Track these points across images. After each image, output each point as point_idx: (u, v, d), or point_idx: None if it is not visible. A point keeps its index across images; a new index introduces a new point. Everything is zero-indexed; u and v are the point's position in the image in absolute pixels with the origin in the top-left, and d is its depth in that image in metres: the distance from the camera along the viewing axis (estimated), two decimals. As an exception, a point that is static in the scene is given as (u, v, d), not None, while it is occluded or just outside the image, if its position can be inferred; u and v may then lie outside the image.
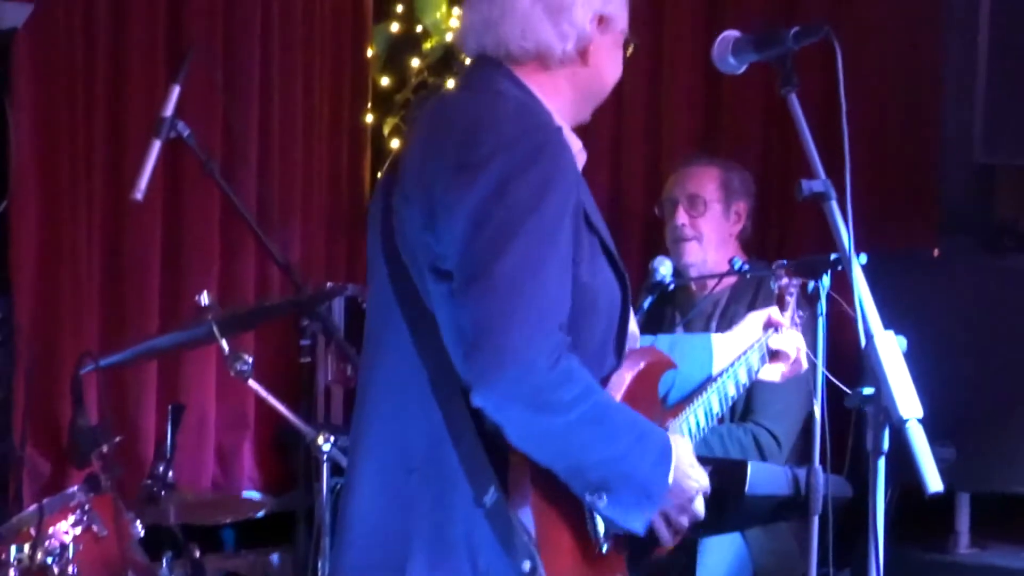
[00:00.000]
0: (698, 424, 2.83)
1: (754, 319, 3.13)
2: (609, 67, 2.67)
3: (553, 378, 2.31)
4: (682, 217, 4.73)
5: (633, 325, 2.68)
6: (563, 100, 2.61)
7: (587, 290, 2.46)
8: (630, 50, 2.71)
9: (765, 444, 4.41)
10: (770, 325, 3.12)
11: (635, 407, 2.51)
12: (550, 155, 2.41)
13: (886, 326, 2.41)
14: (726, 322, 4.61)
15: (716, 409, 2.90)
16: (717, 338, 3.04)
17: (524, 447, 2.38)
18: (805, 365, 3.17)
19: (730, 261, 4.13)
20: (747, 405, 4.45)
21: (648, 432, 2.48)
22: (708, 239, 4.71)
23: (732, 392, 2.97)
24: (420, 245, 2.44)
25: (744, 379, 3.01)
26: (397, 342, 2.50)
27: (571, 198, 2.43)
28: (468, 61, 2.68)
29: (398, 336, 2.50)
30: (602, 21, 2.62)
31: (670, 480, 2.46)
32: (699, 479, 2.55)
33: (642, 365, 2.63)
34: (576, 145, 2.61)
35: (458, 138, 2.43)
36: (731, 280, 4.63)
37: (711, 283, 4.67)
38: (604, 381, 2.54)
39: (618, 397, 2.54)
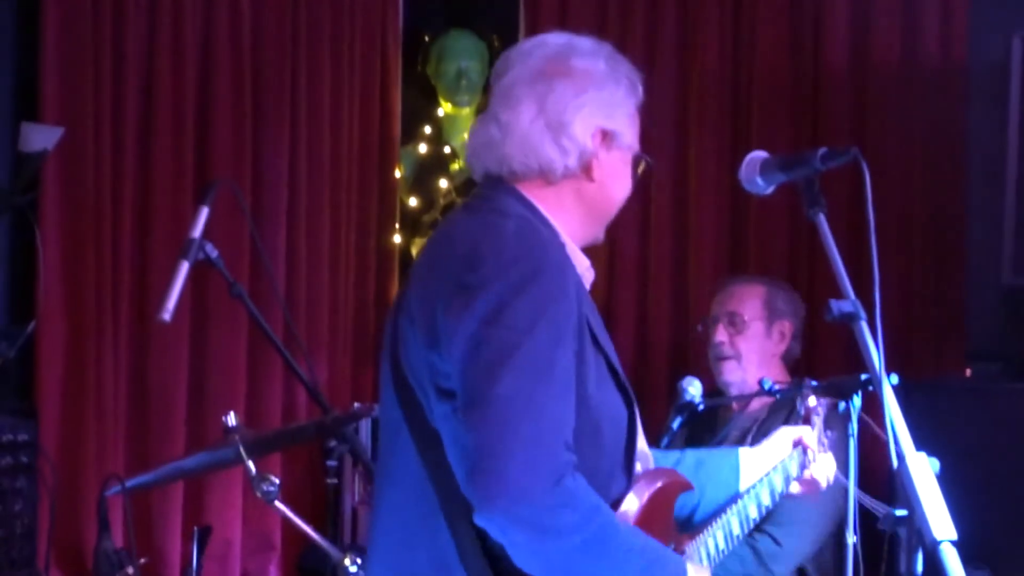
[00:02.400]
0: (717, 547, 2.80)
1: (784, 435, 3.09)
2: (615, 183, 2.63)
3: (553, 501, 2.29)
4: (721, 335, 4.64)
5: (643, 445, 2.65)
6: (569, 215, 2.59)
7: (593, 410, 2.44)
8: (641, 167, 2.68)
9: (763, 549, 4.24)
10: (799, 445, 3.09)
11: (649, 529, 2.49)
12: (548, 276, 2.39)
13: (917, 448, 2.38)
14: (763, 437, 4.56)
15: (737, 531, 2.87)
16: (745, 452, 3.00)
17: (529, 569, 2.35)
18: (823, 486, 3.13)
19: (760, 381, 4.09)
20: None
21: (662, 557, 2.47)
22: (748, 358, 4.61)
23: (754, 515, 2.94)
24: (424, 364, 2.43)
25: (767, 501, 2.98)
26: (405, 465, 2.49)
27: (571, 317, 2.40)
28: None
29: (406, 459, 2.49)
30: (606, 136, 2.59)
31: None
32: None
33: (656, 486, 2.60)
34: (583, 264, 2.59)
35: (460, 259, 2.43)
36: (768, 399, 4.57)
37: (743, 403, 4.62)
38: (616, 503, 2.51)
39: (631, 519, 2.51)
